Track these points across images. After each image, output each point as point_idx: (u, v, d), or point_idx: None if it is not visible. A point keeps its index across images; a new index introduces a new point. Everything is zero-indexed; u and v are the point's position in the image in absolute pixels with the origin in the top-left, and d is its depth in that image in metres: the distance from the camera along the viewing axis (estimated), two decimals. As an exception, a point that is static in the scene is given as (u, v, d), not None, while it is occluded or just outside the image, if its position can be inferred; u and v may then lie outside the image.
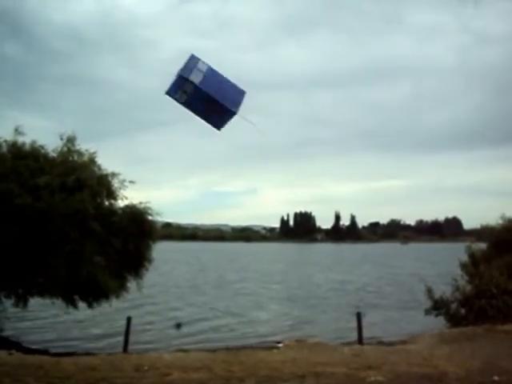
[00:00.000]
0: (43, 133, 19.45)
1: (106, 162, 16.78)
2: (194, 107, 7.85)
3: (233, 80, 8.08)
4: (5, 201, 13.90)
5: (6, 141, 15.71)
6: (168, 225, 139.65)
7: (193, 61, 7.75)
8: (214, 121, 8.01)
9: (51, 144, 16.19)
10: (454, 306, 16.50)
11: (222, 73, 8.05)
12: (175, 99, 7.76)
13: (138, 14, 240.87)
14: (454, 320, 16.26)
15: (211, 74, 7.77)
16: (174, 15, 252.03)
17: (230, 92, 7.90)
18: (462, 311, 16.29)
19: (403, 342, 13.61)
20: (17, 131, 15.75)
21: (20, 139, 15.82)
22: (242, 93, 8.03)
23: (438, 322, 16.85)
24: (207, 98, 7.62)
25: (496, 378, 8.46)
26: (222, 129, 8.11)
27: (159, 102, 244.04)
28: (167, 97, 7.65)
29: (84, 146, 16.56)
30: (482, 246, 18.36)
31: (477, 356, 10.26)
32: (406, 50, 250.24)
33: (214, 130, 8.00)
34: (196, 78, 7.57)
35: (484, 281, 15.66)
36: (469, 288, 16.43)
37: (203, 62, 7.78)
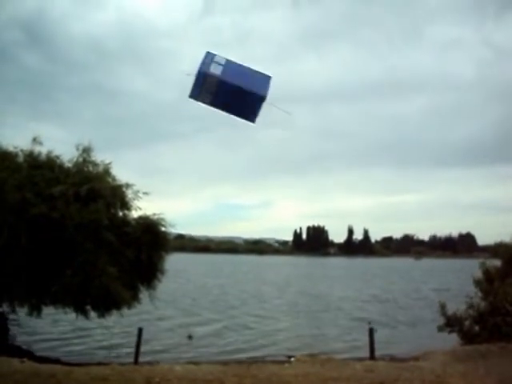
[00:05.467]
0: (60, 143, 19.67)
1: (121, 173, 16.93)
2: (221, 104, 7.51)
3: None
4: (20, 210, 14.03)
5: (22, 150, 15.88)
6: (181, 236, 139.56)
7: (209, 56, 7.39)
8: (246, 113, 7.58)
9: (68, 154, 16.36)
10: (467, 322, 16.31)
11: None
12: (201, 101, 7.43)
13: (159, 24, 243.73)
14: (468, 337, 16.07)
15: (230, 65, 7.40)
16: (194, 27, 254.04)
17: (254, 78, 7.48)
18: (476, 328, 16.10)
19: (416, 359, 13.44)
20: (35, 141, 15.94)
21: (37, 149, 16.01)
22: (267, 78, 7.58)
23: (451, 339, 16.66)
24: (232, 89, 7.24)
25: (510, 397, 8.34)
26: (256, 120, 7.62)
27: (176, 113, 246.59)
28: (191, 103, 7.30)
29: (100, 156, 16.73)
30: (497, 262, 18.15)
31: (491, 374, 10.12)
32: (425, 63, 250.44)
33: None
34: (216, 70, 7.21)
35: (498, 298, 15.49)
36: (483, 305, 16.25)
37: (220, 56, 7.41)
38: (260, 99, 7.33)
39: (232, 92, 7.24)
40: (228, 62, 7.43)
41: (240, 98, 7.32)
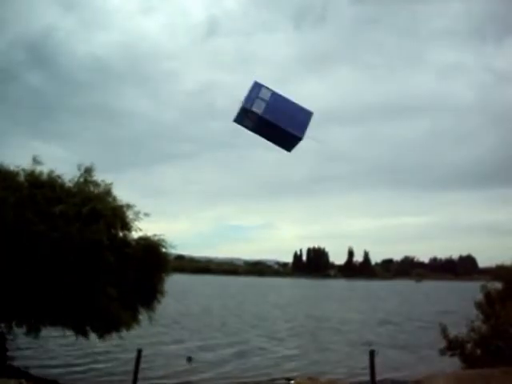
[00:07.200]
0: (63, 162, 19.70)
1: (122, 193, 16.93)
2: (261, 133, 8.02)
3: None
4: (21, 229, 14.00)
5: (23, 169, 15.88)
6: (181, 257, 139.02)
7: (255, 89, 7.79)
8: (283, 144, 8.13)
9: (70, 174, 16.37)
10: (469, 346, 16.15)
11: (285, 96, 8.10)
12: (243, 126, 7.95)
13: (163, 46, 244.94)
14: (470, 361, 15.89)
15: (274, 100, 7.80)
16: (198, 49, 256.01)
17: (295, 116, 7.88)
18: (478, 352, 15.93)
19: (417, 382, 13.31)
20: (35, 160, 15.95)
21: (38, 168, 16.01)
22: (308, 114, 8.02)
23: (453, 362, 16.49)
24: (271, 125, 7.68)
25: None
26: (293, 150, 8.32)
27: (177, 134, 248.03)
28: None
29: (102, 176, 16.77)
30: (498, 285, 18.03)
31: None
32: (426, 87, 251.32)
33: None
34: (258, 109, 7.65)
35: (500, 321, 15.35)
36: (484, 328, 16.10)
37: (266, 88, 7.82)
38: (297, 139, 7.86)
39: (271, 127, 7.74)
40: (273, 96, 7.86)
41: (278, 133, 7.81)
